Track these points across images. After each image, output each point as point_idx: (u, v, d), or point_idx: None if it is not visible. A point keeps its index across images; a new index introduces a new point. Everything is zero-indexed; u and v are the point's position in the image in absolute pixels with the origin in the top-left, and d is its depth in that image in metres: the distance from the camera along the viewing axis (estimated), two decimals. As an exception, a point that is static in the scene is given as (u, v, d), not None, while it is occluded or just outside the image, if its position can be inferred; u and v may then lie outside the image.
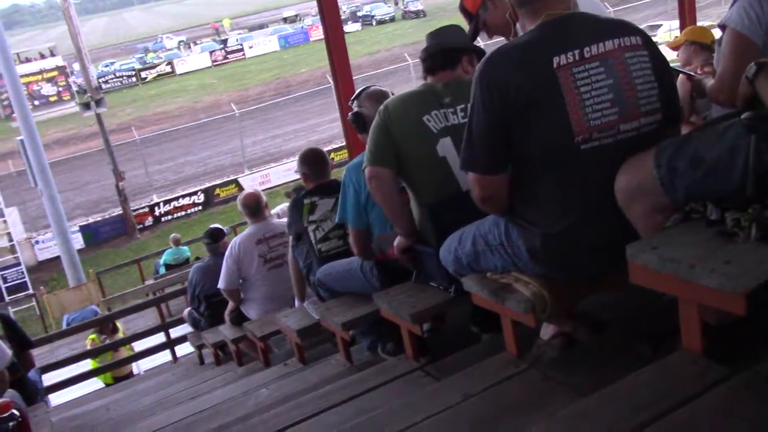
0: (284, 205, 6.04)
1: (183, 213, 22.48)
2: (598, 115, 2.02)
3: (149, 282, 14.74)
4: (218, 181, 23.37)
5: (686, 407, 1.67)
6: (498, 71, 2.07)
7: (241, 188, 21.17)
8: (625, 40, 2.08)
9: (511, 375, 2.32)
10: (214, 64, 49.55)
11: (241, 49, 51.33)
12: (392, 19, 53.03)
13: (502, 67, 2.07)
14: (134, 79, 47.87)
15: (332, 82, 4.64)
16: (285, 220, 4.96)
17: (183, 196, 22.79)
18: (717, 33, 2.81)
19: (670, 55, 5.03)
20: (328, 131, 25.13)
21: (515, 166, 2.18)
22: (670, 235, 1.84)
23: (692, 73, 3.35)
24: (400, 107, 2.91)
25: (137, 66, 50.24)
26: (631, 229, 2.00)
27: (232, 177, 23.36)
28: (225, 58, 50.55)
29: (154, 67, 49.62)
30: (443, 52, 2.99)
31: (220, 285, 5.53)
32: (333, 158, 19.92)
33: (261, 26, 64.27)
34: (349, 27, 46.52)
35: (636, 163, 1.96)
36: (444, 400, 2.27)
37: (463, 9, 3.19)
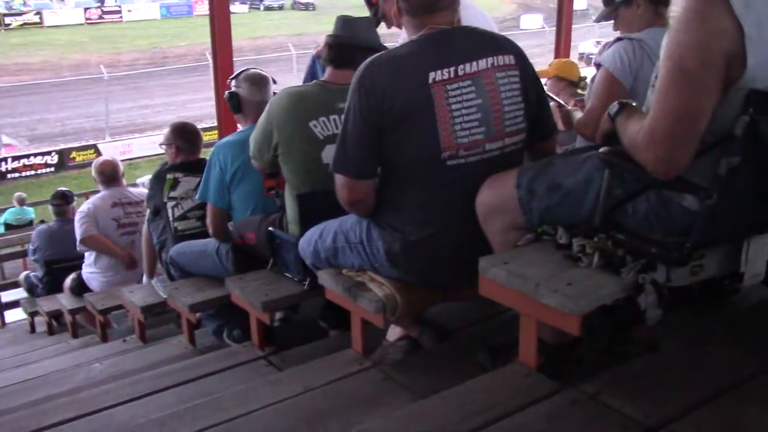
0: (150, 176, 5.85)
1: (32, 172, 21.13)
2: (466, 133, 2.07)
3: (-16, 240, 13.77)
4: (75, 144, 22.17)
5: (514, 417, 1.76)
6: (376, 78, 2.09)
7: (99, 154, 20.18)
8: (498, 59, 2.13)
9: (353, 372, 2.34)
10: (88, 21, 46.88)
11: (119, 11, 48.89)
12: (281, 8, 52.31)
13: (381, 75, 2.09)
14: (-4, 23, 44.66)
15: (211, 60, 4.52)
16: (144, 190, 4.79)
17: (35, 155, 21.42)
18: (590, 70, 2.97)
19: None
20: (199, 110, 24.37)
21: (384, 171, 2.20)
22: (520, 253, 1.92)
23: (563, 103, 3.52)
24: (288, 108, 2.81)
25: (2, 10, 46.86)
26: (487, 243, 2.07)
27: (92, 142, 22.23)
28: (100, 17, 47.94)
29: (21, 14, 46.35)
30: (359, 49, 2.82)
31: (78, 236, 5.13)
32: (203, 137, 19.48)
33: (143, -9, 61.71)
34: (236, 7, 45.43)
35: (499, 181, 2.04)
36: (283, 391, 2.26)
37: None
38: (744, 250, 1.79)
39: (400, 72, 2.08)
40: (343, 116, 2.19)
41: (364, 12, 3.19)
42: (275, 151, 2.85)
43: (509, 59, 2.15)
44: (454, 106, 2.06)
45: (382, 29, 3.13)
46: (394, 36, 3.00)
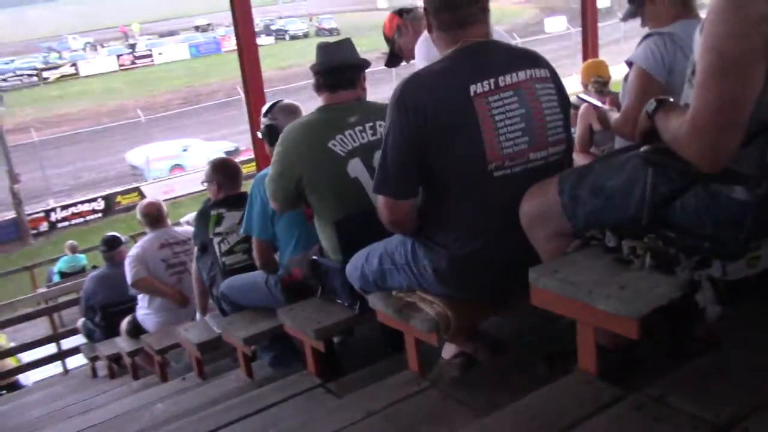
0: (194, 214, 5.93)
1: (81, 219, 21.60)
2: (510, 143, 2.07)
3: (41, 290, 14.07)
4: (120, 189, 22.63)
5: (580, 427, 1.73)
6: (416, 95, 2.09)
7: (143, 197, 20.53)
8: (536, 72, 2.15)
9: (412, 393, 2.33)
10: (121, 68, 48.04)
11: (150, 55, 50.01)
12: (305, 35, 52.85)
13: (421, 92, 2.09)
14: (36, 78, 45.77)
15: (243, 94, 4.60)
16: (189, 228, 4.86)
17: (82, 202, 21.89)
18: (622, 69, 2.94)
19: (577, 85, 5.26)
20: (237, 143, 24.75)
21: (426, 188, 2.20)
22: (570, 260, 1.90)
23: (598, 104, 3.49)
24: (301, 138, 2.83)
25: (39, 65, 48.19)
26: (535, 253, 2.05)
27: (135, 185, 22.67)
28: (133, 63, 49.10)
29: (57, 67, 47.62)
30: (348, 68, 2.95)
31: (129, 280, 5.21)
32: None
33: (171, 33, 62.80)
34: (262, 40, 46.09)
35: (540, 189, 2.02)
36: (345, 417, 2.26)
37: (384, 34, 3.36)
38: (802, 238, 1.74)
39: (439, 87, 2.09)
40: (383, 136, 2.18)
41: (381, 37, 3.27)
42: (298, 186, 2.84)
43: (545, 73, 2.17)
44: (497, 117, 2.06)
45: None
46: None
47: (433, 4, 2.20)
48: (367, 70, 3.05)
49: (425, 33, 3.12)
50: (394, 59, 3.66)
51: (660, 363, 1.96)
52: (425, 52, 3.09)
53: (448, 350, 2.54)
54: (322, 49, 2.98)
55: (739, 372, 1.84)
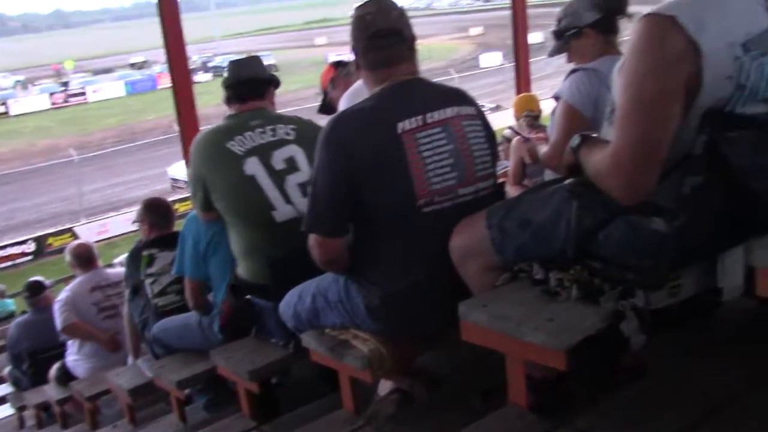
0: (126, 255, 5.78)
1: (10, 263, 20.89)
2: (439, 179, 2.09)
3: (-34, 337, 13.51)
4: (52, 230, 21.99)
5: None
6: (344, 134, 2.10)
7: (76, 237, 20.00)
8: (462, 109, 2.18)
9: (347, 432, 2.30)
10: (54, 107, 47.08)
11: (84, 93, 49.17)
12: (244, 72, 52.96)
13: (348, 130, 2.10)
14: (-38, 118, 44.60)
15: (179, 131, 4.54)
16: (122, 270, 4.74)
17: (11, 245, 21.19)
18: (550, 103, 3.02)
19: (509, 119, 5.38)
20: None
21: (357, 226, 2.20)
22: (499, 294, 1.91)
23: (527, 137, 3.56)
24: (204, 141, 2.98)
25: (-34, 103, 46.94)
26: (467, 287, 2.06)
27: (68, 225, 22.08)
28: (65, 101, 48.17)
29: (-16, 106, 46.50)
30: (256, 81, 3.08)
31: (58, 326, 5.02)
32: (177, 209, 19.40)
33: (106, 71, 62.10)
34: (200, 77, 45.89)
35: (469, 223, 2.04)
36: (279, 461, 2.22)
37: (320, 83, 3.63)
38: (719, 266, 1.79)
39: (368, 125, 2.10)
40: (312, 175, 2.19)
41: (319, 74, 3.34)
42: (205, 189, 2.93)
43: (472, 110, 2.22)
44: (425, 153, 2.07)
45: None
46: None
47: (361, 44, 2.22)
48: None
49: (351, 87, 3.20)
50: (327, 108, 3.73)
51: (589, 393, 1.98)
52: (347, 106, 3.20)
53: (384, 387, 2.52)
54: (233, 64, 3.17)
55: (665, 397, 1.87)
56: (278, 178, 2.87)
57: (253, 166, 2.86)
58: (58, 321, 4.99)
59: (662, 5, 1.59)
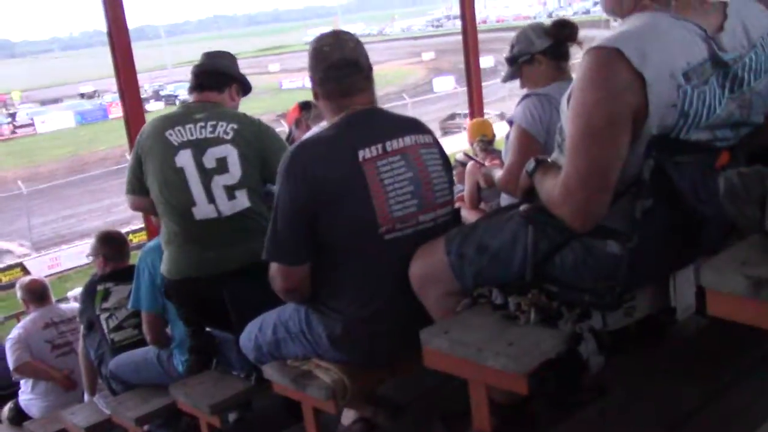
0: (80, 289, 5.65)
1: (-42, 299, 20.29)
2: (400, 206, 2.11)
3: None
4: (1, 265, 21.43)
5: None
6: (305, 162, 2.11)
7: (26, 272, 19.52)
8: (420, 138, 2.22)
9: (311, 464, 2.29)
10: (0, 139, 46.18)
11: (32, 124, 48.33)
12: (197, 100, 52.68)
13: (309, 159, 2.11)
14: None
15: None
16: (76, 305, 4.65)
17: (-42, 281, 20.61)
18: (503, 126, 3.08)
19: (463, 144, 5.44)
20: (126, 212, 24.01)
21: (318, 254, 2.19)
22: (459, 320, 1.93)
23: (482, 162, 3.62)
24: (150, 128, 3.00)
25: None
26: (428, 314, 2.08)
27: (18, 260, 21.55)
28: (13, 132, 47.31)
29: (-73, 138, 45.39)
30: (217, 73, 3.08)
31: (11, 365, 4.86)
32: (131, 240, 19.08)
33: (55, 101, 61.11)
34: (152, 105, 45.48)
35: (428, 250, 2.06)
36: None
37: (286, 120, 3.66)
38: (671, 286, 1.85)
39: (328, 153, 2.12)
40: (273, 203, 2.18)
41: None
42: (139, 174, 2.99)
43: (429, 138, 2.25)
44: (386, 181, 2.10)
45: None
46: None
47: (318, 75, 2.24)
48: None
49: (313, 129, 3.23)
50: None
51: (551, 415, 2.00)
52: None
53: (347, 416, 2.51)
54: (204, 54, 3.19)
55: (625, 415, 1.91)
56: (206, 176, 2.87)
57: (184, 159, 2.88)
58: (10, 360, 4.85)
59: (607, 38, 1.64)
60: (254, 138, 2.94)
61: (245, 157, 2.89)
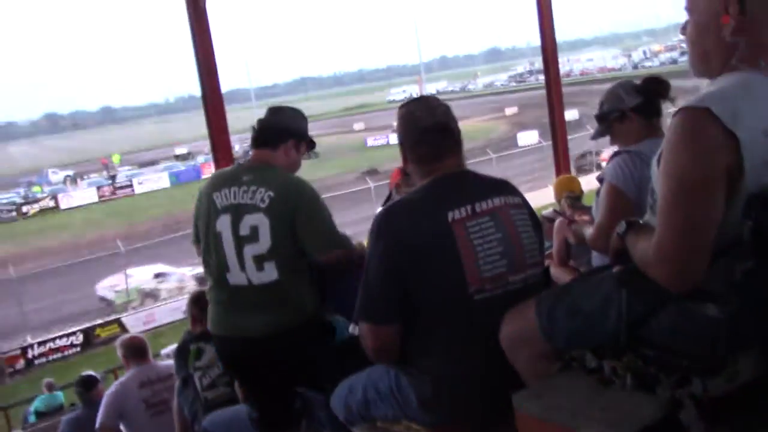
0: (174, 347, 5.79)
1: (59, 355, 21.12)
2: (490, 267, 2.12)
3: (16, 432, 13.56)
4: (99, 321, 22.28)
5: None
6: (395, 224, 2.16)
7: (123, 328, 20.25)
8: (509, 199, 2.23)
9: None
10: (102, 199, 48.52)
11: (130, 185, 50.70)
12: (285, 160, 54.04)
13: (399, 220, 2.16)
14: (14, 213, 46.00)
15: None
16: (171, 362, 4.76)
17: (59, 337, 21.46)
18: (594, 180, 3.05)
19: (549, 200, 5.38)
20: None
21: (408, 315, 2.20)
22: (552, 384, 1.89)
23: (572, 218, 3.58)
24: (204, 185, 3.10)
25: (18, 200, 48.54)
26: (518, 375, 2.05)
27: (114, 317, 22.36)
28: (113, 193, 49.65)
29: (36, 201, 48.00)
30: (273, 129, 3.08)
31: (98, 421, 4.93)
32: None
33: (152, 163, 63.95)
34: (242, 165, 46.92)
35: (518, 312, 2.05)
36: None
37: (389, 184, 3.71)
38: (776, 349, 1.76)
39: (417, 215, 2.15)
40: (364, 264, 2.22)
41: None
42: (195, 226, 3.11)
43: (518, 200, 2.27)
44: (476, 242, 2.12)
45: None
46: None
47: (411, 139, 2.29)
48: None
49: None
50: None
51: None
52: None
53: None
54: (267, 110, 3.19)
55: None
56: (239, 243, 2.92)
57: (223, 224, 2.94)
58: (101, 414, 4.96)
59: (697, 98, 1.63)
60: (287, 209, 2.92)
61: (276, 228, 2.89)
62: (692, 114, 1.61)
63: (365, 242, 2.33)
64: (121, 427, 5.04)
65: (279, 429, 3.09)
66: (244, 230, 2.91)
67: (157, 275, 24.21)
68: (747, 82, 1.64)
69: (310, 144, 3.21)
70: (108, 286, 23.72)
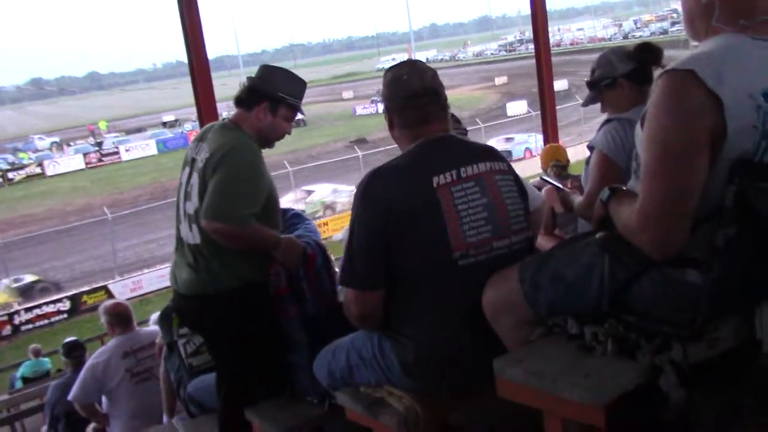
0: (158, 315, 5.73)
1: (46, 321, 21.11)
2: (474, 232, 2.11)
3: (2, 397, 13.59)
4: (86, 288, 22.25)
5: None
6: (379, 190, 2.13)
7: (110, 295, 20.21)
8: (495, 165, 2.21)
9: (384, 492, 2.27)
10: (88, 166, 48.12)
11: (117, 152, 50.27)
12: (272, 126, 53.59)
13: (384, 186, 2.14)
14: (0, 180, 45.69)
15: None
16: (156, 329, 4.74)
17: (46, 303, 21.44)
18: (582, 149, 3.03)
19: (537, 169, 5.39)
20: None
21: (392, 280, 2.20)
22: (534, 349, 1.90)
23: (560, 186, 3.57)
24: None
25: (4, 166, 48.14)
26: (501, 341, 2.05)
27: (102, 283, 22.33)
28: (100, 160, 49.25)
29: (23, 167, 47.64)
30: (248, 89, 3.00)
31: (71, 397, 4.97)
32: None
33: (139, 130, 63.40)
34: (230, 133, 46.68)
35: (502, 278, 2.04)
36: None
37: None
38: (758, 317, 1.77)
39: (402, 180, 2.14)
40: (347, 229, 2.21)
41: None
42: None
43: (503, 165, 2.25)
44: (460, 207, 2.10)
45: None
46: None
47: (397, 103, 2.27)
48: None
49: None
50: None
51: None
52: None
53: (419, 444, 2.49)
54: (259, 68, 3.10)
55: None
56: (184, 198, 2.97)
57: (183, 176, 3.00)
58: (76, 386, 4.95)
59: (681, 61, 1.61)
60: (211, 170, 2.84)
61: (201, 190, 2.86)
62: (676, 76, 1.59)
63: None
64: (103, 398, 5.04)
65: (245, 396, 3.07)
66: (189, 186, 2.95)
67: (334, 191, 26.48)
68: (732, 44, 1.62)
69: (295, 109, 3.07)
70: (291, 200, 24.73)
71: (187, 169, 2.96)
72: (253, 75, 3.07)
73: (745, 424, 1.93)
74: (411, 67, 2.31)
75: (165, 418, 4.43)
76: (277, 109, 2.98)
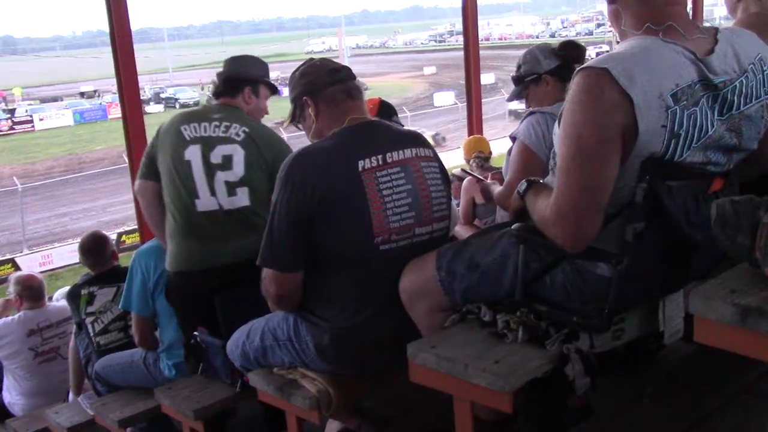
0: (65, 289, 5.49)
1: (-52, 293, 20.15)
2: (397, 218, 2.11)
3: None
4: (-7, 259, 21.34)
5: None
6: (303, 172, 2.11)
7: (17, 268, 19.42)
8: (420, 151, 2.22)
9: (293, 474, 2.27)
10: (-1, 134, 46.09)
11: (31, 121, 48.21)
12: (196, 104, 52.42)
13: (308, 169, 2.12)
14: None
15: (128, 162, 4.47)
16: (64, 305, 4.58)
17: (-50, 275, 20.48)
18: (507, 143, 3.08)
19: (459, 160, 5.45)
20: (120, 212, 23.98)
21: (311, 263, 2.19)
22: (447, 335, 1.93)
23: (480, 177, 3.62)
24: (168, 122, 3.11)
25: None
26: (416, 327, 2.08)
27: (9, 256, 21.46)
28: (11, 128, 47.16)
29: (-73, 132, 45.24)
30: (228, 79, 3.16)
31: None
32: (124, 241, 19.02)
33: (55, 99, 60.96)
34: (152, 107, 45.54)
35: (419, 264, 2.06)
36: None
37: None
38: (660, 310, 1.84)
39: (327, 163, 2.12)
40: (270, 209, 2.18)
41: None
42: (152, 160, 3.10)
43: (429, 152, 2.26)
44: (385, 192, 2.10)
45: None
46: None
47: (322, 80, 2.26)
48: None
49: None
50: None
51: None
52: None
53: (331, 427, 2.50)
54: (227, 61, 3.28)
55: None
56: (210, 170, 2.96)
57: (192, 153, 2.97)
58: None
59: (596, 59, 1.66)
60: (264, 144, 3.01)
61: (251, 160, 2.97)
62: (591, 73, 1.63)
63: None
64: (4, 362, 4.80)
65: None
66: (215, 159, 2.97)
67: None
68: (644, 46, 1.67)
69: (272, 88, 3.27)
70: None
71: (198, 146, 2.98)
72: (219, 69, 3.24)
73: (645, 411, 2.02)
74: (321, 59, 2.37)
75: (71, 396, 4.31)
76: (257, 90, 3.19)
